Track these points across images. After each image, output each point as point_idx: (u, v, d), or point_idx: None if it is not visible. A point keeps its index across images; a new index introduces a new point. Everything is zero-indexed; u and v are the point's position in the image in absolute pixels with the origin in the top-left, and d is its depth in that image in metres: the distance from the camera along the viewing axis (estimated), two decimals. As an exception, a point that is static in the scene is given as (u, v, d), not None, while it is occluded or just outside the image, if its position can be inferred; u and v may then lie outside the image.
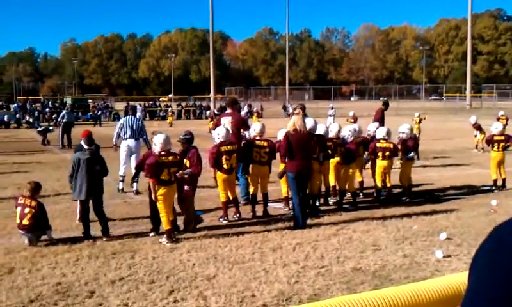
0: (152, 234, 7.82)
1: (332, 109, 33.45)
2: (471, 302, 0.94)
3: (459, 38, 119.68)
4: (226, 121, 9.96)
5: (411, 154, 10.83)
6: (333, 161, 9.79)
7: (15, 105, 44.64)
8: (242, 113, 26.35)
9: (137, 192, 10.93)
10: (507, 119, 21.42)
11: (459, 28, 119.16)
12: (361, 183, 10.87)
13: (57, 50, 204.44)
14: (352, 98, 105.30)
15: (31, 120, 35.87)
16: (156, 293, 5.53)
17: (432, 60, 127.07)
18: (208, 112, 40.21)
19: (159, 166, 7.46)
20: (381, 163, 10.25)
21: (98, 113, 41.72)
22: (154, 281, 5.90)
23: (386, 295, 3.07)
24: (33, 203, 7.45)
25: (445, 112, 53.07)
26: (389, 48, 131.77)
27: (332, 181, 9.99)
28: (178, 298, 5.41)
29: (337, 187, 10.03)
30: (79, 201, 7.95)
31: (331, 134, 9.90)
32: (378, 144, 10.33)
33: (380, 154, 10.24)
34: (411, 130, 11.16)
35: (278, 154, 9.01)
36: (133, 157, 11.45)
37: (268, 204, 9.32)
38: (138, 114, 15.25)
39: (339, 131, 10.07)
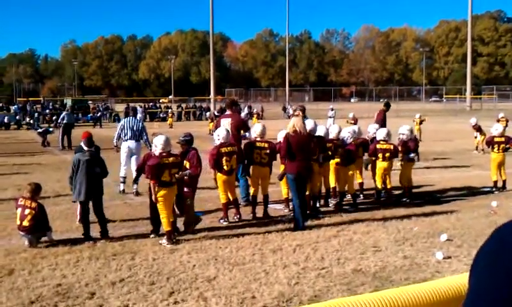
0: (152, 235, 7.82)
1: (332, 110, 33.49)
2: (472, 304, 0.94)
3: (459, 39, 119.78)
4: (226, 123, 9.96)
5: (412, 155, 10.83)
6: (333, 162, 9.80)
7: (15, 106, 44.69)
8: (243, 115, 26.34)
9: (138, 194, 10.93)
10: (507, 121, 21.43)
11: (459, 30, 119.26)
12: (362, 184, 10.86)
13: (57, 52, 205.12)
14: (352, 100, 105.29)
15: (31, 122, 35.90)
16: (156, 295, 5.52)
17: (432, 62, 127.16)
18: (208, 114, 40.25)
19: (160, 168, 7.47)
20: (381, 164, 10.25)
21: (98, 115, 41.73)
22: (154, 283, 5.90)
23: (387, 297, 3.07)
24: (33, 205, 7.45)
25: (445, 113, 53.10)
26: (389, 49, 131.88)
27: (332, 183, 9.99)
28: (179, 299, 5.40)
29: (337, 189, 10.03)
30: (78, 203, 7.95)
31: (332, 136, 9.90)
32: (378, 146, 10.33)
33: (380, 155, 10.24)
34: (411, 131, 11.16)
35: (278, 155, 9.01)
36: (133, 158, 11.45)
37: (268, 205, 9.32)
38: (139, 116, 15.27)
39: (339, 132, 10.08)
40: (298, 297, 5.43)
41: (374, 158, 10.51)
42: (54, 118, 36.37)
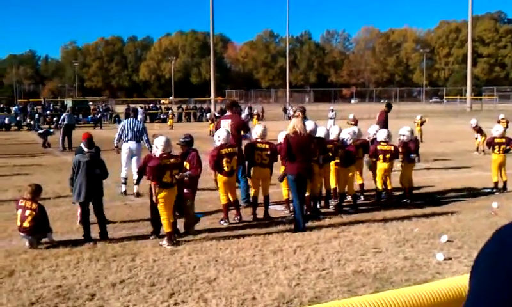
0: (152, 237, 7.82)
1: (332, 111, 33.51)
2: (473, 305, 0.94)
3: (459, 40, 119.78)
4: (226, 124, 9.96)
5: (413, 155, 10.81)
6: (334, 163, 9.80)
7: (16, 107, 44.71)
8: (243, 116, 26.33)
9: (138, 195, 10.93)
10: (507, 122, 21.43)
11: (460, 30, 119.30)
12: (362, 185, 10.86)
13: (57, 53, 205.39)
14: (352, 101, 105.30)
15: (31, 123, 35.93)
16: (157, 296, 5.52)
17: (432, 62, 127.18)
18: (208, 115, 40.27)
19: (161, 169, 7.47)
20: (381, 165, 10.25)
21: (98, 116, 41.76)
22: (155, 284, 5.89)
23: (387, 298, 3.07)
24: (34, 206, 7.45)
25: (445, 114, 53.10)
26: (389, 50, 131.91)
27: (333, 184, 9.99)
28: (179, 300, 5.40)
29: (337, 190, 10.02)
30: (78, 204, 7.95)
31: (332, 137, 9.90)
32: (379, 147, 10.33)
33: (381, 156, 10.24)
34: (412, 132, 11.15)
35: (279, 156, 9.01)
36: (134, 159, 11.46)
37: (269, 206, 9.32)
38: (139, 117, 15.29)
39: (339, 133, 10.09)
40: (299, 298, 5.43)
41: (374, 159, 10.50)
42: (54, 119, 36.34)
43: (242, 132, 10.24)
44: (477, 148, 19.17)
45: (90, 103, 54.29)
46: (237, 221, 8.85)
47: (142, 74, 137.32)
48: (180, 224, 8.22)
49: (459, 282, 3.41)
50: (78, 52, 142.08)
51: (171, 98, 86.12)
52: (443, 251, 6.91)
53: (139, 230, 8.34)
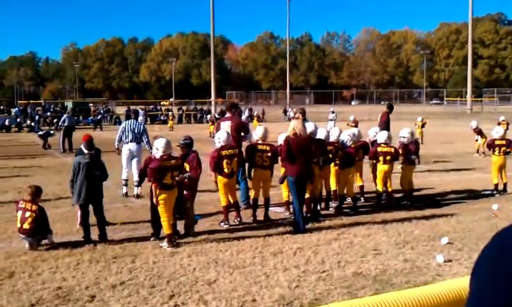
0: (152, 238, 7.82)
1: (333, 113, 33.50)
2: (473, 307, 0.94)
3: (459, 42, 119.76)
4: (226, 126, 9.96)
5: (413, 157, 10.78)
6: (334, 165, 9.80)
7: (16, 109, 44.79)
8: (243, 117, 26.37)
9: (138, 196, 10.94)
10: (507, 124, 21.44)
11: (460, 32, 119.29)
12: (362, 187, 10.86)
13: (58, 54, 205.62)
14: (353, 102, 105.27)
15: (32, 124, 35.94)
16: (157, 298, 5.52)
17: (432, 64, 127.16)
18: (209, 116, 40.27)
19: (162, 170, 7.47)
20: (382, 167, 10.25)
21: (98, 117, 41.77)
22: (155, 286, 5.89)
23: (387, 300, 3.07)
24: (34, 207, 7.45)
25: (445, 116, 53.12)
26: (390, 52, 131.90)
27: (333, 186, 9.99)
28: (179, 302, 5.40)
29: (337, 192, 10.02)
30: (78, 206, 7.95)
31: (332, 138, 9.90)
32: (379, 149, 10.33)
33: (381, 158, 10.24)
34: (412, 134, 11.14)
35: (279, 158, 9.01)
36: (134, 161, 11.46)
37: (269, 208, 9.31)
38: (140, 118, 15.30)
39: (339, 135, 10.09)
40: (299, 300, 5.43)
41: (374, 161, 10.51)
42: (54, 120, 36.38)
43: (242, 134, 10.24)
44: (477, 150, 19.17)
45: (90, 104, 54.36)
46: (237, 223, 8.85)
47: (142, 75, 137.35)
48: (180, 226, 8.22)
49: (459, 284, 3.41)
50: (78, 54, 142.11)
51: (171, 99, 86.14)
52: (443, 253, 6.91)
53: (139, 232, 8.34)
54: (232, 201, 8.88)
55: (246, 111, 42.02)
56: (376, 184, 10.52)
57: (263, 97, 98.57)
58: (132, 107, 39.12)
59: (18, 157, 19.83)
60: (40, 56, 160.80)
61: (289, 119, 31.73)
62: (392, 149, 10.31)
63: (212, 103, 57.15)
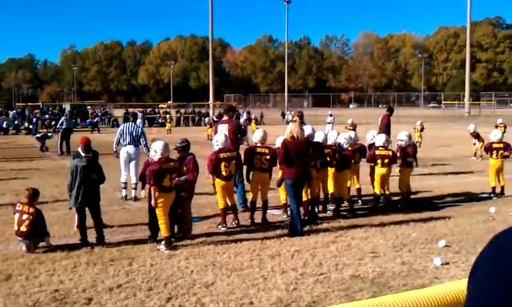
0: (150, 241, 7.81)
1: (331, 116, 33.52)
2: (471, 310, 0.93)
3: (457, 45, 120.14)
4: (223, 129, 9.97)
5: (410, 159, 10.75)
6: (332, 168, 9.80)
7: (14, 111, 44.77)
8: (241, 120, 26.38)
9: (136, 199, 10.92)
10: (505, 127, 21.46)
11: (458, 36, 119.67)
12: (359, 190, 10.86)
13: (56, 57, 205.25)
14: (351, 106, 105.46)
15: (29, 127, 35.88)
16: (154, 300, 5.51)
17: (431, 68, 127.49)
18: (207, 119, 40.24)
19: (161, 173, 7.47)
20: (379, 170, 10.25)
21: (95, 120, 41.73)
22: (152, 288, 5.88)
23: (385, 303, 3.06)
24: (31, 210, 7.43)
25: (443, 119, 53.17)
26: (388, 55, 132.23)
27: (331, 189, 9.99)
28: (176, 305, 5.39)
29: (334, 194, 10.02)
30: (75, 209, 7.94)
31: (330, 141, 9.91)
32: (377, 152, 10.34)
33: (379, 161, 10.25)
34: (410, 137, 11.14)
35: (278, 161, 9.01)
36: (132, 164, 11.44)
37: (267, 211, 9.31)
38: (138, 121, 15.29)
39: (337, 138, 10.11)
40: (296, 302, 5.42)
41: (372, 164, 10.51)
42: (52, 123, 36.37)
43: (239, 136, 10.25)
44: (475, 153, 19.18)
45: (88, 107, 54.32)
46: (235, 225, 8.85)
47: (141, 78, 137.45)
48: (178, 229, 8.20)
49: (456, 287, 3.41)
50: (77, 56, 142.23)
51: (169, 102, 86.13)
52: (441, 256, 6.91)
53: (136, 234, 8.33)
54: (229, 203, 8.88)
55: (244, 114, 42.03)
56: (373, 187, 10.52)
57: (261, 100, 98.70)
58: (131, 110, 39.09)
59: (16, 159, 19.79)
60: (38, 59, 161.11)
61: (287, 122, 31.78)
62: (390, 153, 10.32)
63: (210, 106, 57.14)
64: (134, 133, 11.62)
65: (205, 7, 55.57)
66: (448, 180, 14.19)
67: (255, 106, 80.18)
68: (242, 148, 10.05)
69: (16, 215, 7.44)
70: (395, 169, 11.00)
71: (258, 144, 9.27)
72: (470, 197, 11.47)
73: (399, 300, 3.13)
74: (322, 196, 10.01)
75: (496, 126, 20.02)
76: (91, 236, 7.75)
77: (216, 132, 9.92)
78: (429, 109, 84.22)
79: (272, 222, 9.12)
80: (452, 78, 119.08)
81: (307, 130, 9.14)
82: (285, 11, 70.59)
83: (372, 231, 8.44)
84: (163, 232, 7.48)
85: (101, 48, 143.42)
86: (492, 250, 0.95)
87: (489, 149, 11.77)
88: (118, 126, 26.07)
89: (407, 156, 10.58)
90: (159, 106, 70.10)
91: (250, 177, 9.20)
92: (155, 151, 7.72)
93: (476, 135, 19.14)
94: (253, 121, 38.22)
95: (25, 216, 7.35)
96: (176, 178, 7.82)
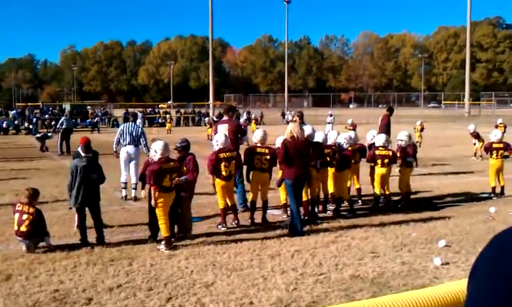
0: (150, 241, 7.81)
1: (331, 116, 33.52)
2: (471, 310, 0.93)
3: (457, 45, 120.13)
4: (223, 129, 9.97)
5: (410, 159, 10.75)
6: (332, 168, 9.81)
7: (14, 111, 44.73)
8: (242, 120, 26.39)
9: (136, 199, 10.92)
10: (505, 127, 21.46)
11: (458, 36, 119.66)
12: (359, 190, 10.86)
13: (56, 57, 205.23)
14: (351, 106, 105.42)
15: (29, 127, 35.88)
16: (154, 300, 5.51)
17: (431, 68, 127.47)
18: (207, 119, 40.24)
19: (161, 173, 7.47)
20: (379, 170, 10.25)
21: (95, 120, 41.72)
22: (152, 288, 5.88)
23: (385, 303, 3.06)
24: (31, 210, 7.43)
25: (443, 119, 53.17)
26: (388, 55, 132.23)
27: (331, 189, 9.99)
28: (176, 305, 5.39)
29: (334, 194, 10.02)
30: (75, 209, 7.94)
31: (330, 141, 9.91)
32: (377, 152, 10.34)
33: (379, 161, 10.25)
34: (410, 137, 11.15)
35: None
36: (132, 164, 11.44)
37: (267, 211, 9.31)
38: (138, 121, 15.29)
39: (337, 138, 10.11)
40: (296, 302, 5.42)
41: (372, 164, 10.51)
42: (52, 123, 36.37)
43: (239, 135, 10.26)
44: (475, 153, 19.18)
45: (88, 107, 54.31)
46: (235, 225, 8.85)
47: (141, 78, 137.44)
48: (178, 229, 8.20)
49: (456, 287, 3.41)
50: (77, 56, 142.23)
51: (169, 102, 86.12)
52: (441, 256, 6.91)
53: (136, 234, 8.33)
54: (229, 203, 8.88)
55: (244, 114, 42.03)
56: (373, 187, 10.52)
57: (261, 100, 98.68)
58: (131, 110, 39.09)
59: (16, 159, 19.79)
60: (38, 59, 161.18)
61: (287, 123, 31.77)
62: (390, 153, 10.32)
63: (210, 106, 57.13)
64: (134, 134, 11.62)
65: (205, 7, 55.60)
66: (448, 180, 14.19)
67: (255, 106, 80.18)
68: (242, 148, 10.05)
69: (16, 215, 7.44)
70: (395, 169, 11.00)
71: (258, 144, 9.27)
72: (470, 197, 11.47)
73: (399, 300, 3.13)
74: (322, 196, 10.01)
75: (496, 126, 20.02)
76: (91, 236, 7.75)
77: (216, 132, 9.92)
78: (429, 109, 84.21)
79: (272, 222, 9.12)
80: (452, 78, 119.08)
81: (307, 130, 9.14)
82: (285, 11, 70.63)
83: (372, 231, 8.44)
84: (163, 232, 7.48)
85: (101, 48, 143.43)
86: (492, 250, 0.95)
87: (489, 149, 11.77)
88: (118, 126, 26.08)
89: (407, 156, 10.58)
90: (159, 106, 70.11)
91: (250, 177, 9.20)
92: (155, 151, 7.72)
93: (476, 135, 19.14)
94: (253, 121, 38.22)
95: (25, 216, 7.35)
96: (176, 178, 7.82)
